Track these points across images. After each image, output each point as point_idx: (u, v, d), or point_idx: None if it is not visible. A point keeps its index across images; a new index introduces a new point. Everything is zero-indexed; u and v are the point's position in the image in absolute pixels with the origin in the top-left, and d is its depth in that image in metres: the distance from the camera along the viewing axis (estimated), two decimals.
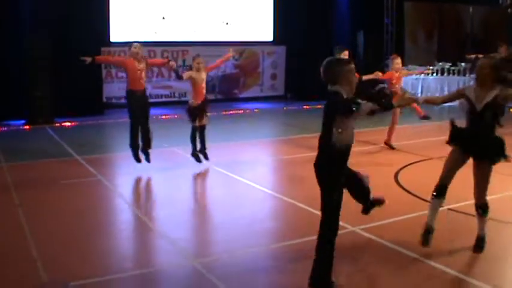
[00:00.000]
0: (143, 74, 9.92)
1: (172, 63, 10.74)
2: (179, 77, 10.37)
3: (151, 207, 8.19)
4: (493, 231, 6.64)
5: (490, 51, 15.71)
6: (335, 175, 4.98)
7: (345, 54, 11.44)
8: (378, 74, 11.82)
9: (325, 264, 5.01)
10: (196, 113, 10.02)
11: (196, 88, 10.05)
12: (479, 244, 5.98)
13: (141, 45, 10.15)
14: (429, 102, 6.65)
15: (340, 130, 4.94)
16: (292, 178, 9.64)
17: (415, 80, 20.00)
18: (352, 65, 5.13)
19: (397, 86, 11.55)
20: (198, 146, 10.18)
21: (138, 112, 9.88)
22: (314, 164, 5.06)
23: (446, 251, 5.97)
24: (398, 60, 11.95)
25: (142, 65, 9.90)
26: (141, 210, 7.91)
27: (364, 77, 11.56)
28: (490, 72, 5.70)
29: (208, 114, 10.31)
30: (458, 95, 6.05)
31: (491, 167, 5.83)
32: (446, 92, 19.87)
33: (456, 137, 5.97)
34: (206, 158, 10.25)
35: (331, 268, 5.03)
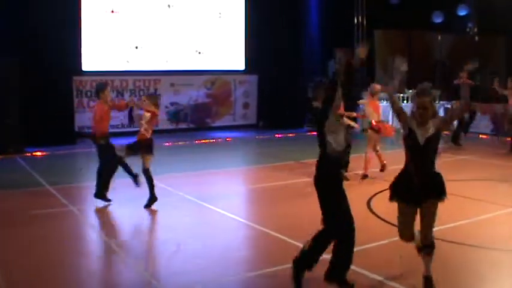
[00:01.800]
0: None
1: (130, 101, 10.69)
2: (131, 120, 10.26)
3: (123, 238, 8.12)
4: (464, 256, 6.71)
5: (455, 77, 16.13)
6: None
7: None
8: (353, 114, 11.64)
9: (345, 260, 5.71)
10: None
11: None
12: (430, 285, 5.68)
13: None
14: (393, 99, 6.25)
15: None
16: (264, 207, 9.64)
17: (385, 107, 20.18)
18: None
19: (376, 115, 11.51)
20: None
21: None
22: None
23: (420, 277, 5.99)
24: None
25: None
26: (113, 241, 7.84)
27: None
28: (430, 109, 5.66)
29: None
30: (405, 120, 5.82)
31: (437, 206, 5.64)
32: None
33: (397, 191, 5.81)
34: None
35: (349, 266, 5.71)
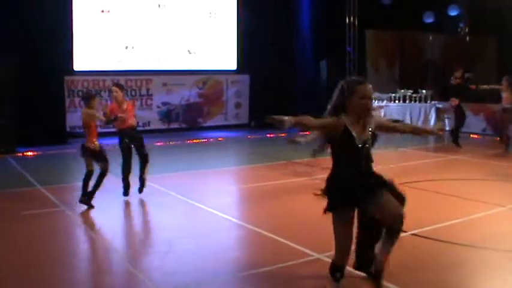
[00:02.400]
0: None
1: None
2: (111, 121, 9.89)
3: (115, 238, 8.10)
4: (455, 255, 6.73)
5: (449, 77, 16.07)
6: None
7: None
8: None
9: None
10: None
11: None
12: None
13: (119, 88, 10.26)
14: (300, 123, 5.18)
15: None
16: (256, 206, 9.63)
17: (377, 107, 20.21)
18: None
19: None
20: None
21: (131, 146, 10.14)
22: None
23: (412, 276, 6.01)
24: None
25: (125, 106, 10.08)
26: (105, 241, 7.83)
27: None
28: (371, 102, 5.10)
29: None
30: (335, 126, 5.05)
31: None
32: (408, 119, 20.22)
33: (340, 197, 5.07)
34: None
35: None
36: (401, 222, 5.01)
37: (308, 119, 5.09)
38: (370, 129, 5.11)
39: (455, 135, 15.85)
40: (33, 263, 6.75)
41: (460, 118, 15.97)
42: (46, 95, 16.60)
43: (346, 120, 5.02)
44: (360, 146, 5.03)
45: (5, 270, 6.49)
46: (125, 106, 10.05)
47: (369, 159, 5.15)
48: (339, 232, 5.13)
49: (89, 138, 9.33)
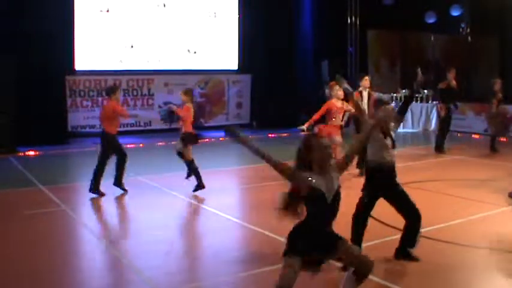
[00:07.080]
0: None
1: None
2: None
3: (117, 238, 8.10)
4: (456, 256, 6.72)
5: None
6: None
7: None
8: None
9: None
10: None
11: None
12: None
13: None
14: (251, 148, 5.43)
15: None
16: (258, 206, 9.62)
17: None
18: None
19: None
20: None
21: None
22: None
23: (413, 276, 6.00)
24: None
25: None
26: (106, 241, 7.82)
27: None
28: (330, 152, 4.87)
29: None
30: (299, 184, 4.85)
31: None
32: (409, 119, 20.25)
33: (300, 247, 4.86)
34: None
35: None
36: (372, 269, 4.88)
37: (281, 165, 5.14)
38: (337, 180, 4.83)
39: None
40: (35, 263, 6.75)
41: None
42: (47, 95, 16.60)
43: (312, 177, 4.79)
44: (330, 201, 4.75)
45: (6, 269, 6.50)
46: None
47: (335, 216, 4.84)
48: (288, 267, 4.78)
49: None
